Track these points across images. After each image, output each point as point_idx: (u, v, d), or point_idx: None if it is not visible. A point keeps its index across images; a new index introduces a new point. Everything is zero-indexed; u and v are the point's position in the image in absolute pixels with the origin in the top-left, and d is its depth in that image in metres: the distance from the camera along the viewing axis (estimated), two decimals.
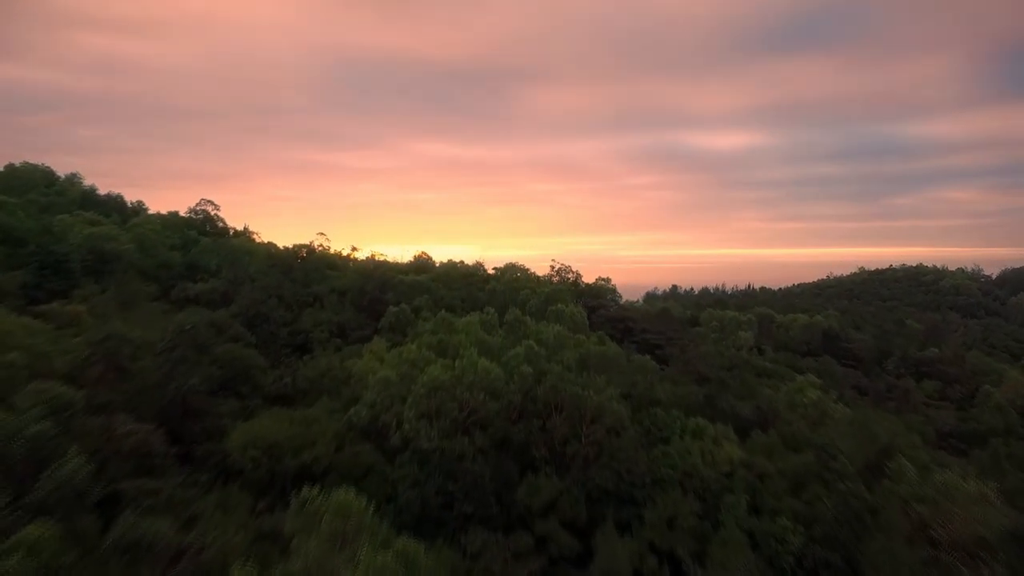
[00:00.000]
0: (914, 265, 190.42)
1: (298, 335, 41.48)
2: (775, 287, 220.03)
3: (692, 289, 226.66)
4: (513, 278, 60.91)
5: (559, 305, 52.44)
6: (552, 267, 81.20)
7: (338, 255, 78.18)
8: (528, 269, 78.03)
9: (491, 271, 78.17)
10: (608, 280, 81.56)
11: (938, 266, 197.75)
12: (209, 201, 70.19)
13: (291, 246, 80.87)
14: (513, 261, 77.49)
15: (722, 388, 35.53)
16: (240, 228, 77.64)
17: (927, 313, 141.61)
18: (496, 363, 27.67)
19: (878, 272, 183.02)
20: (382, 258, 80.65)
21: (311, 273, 53.94)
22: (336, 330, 43.02)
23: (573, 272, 78.92)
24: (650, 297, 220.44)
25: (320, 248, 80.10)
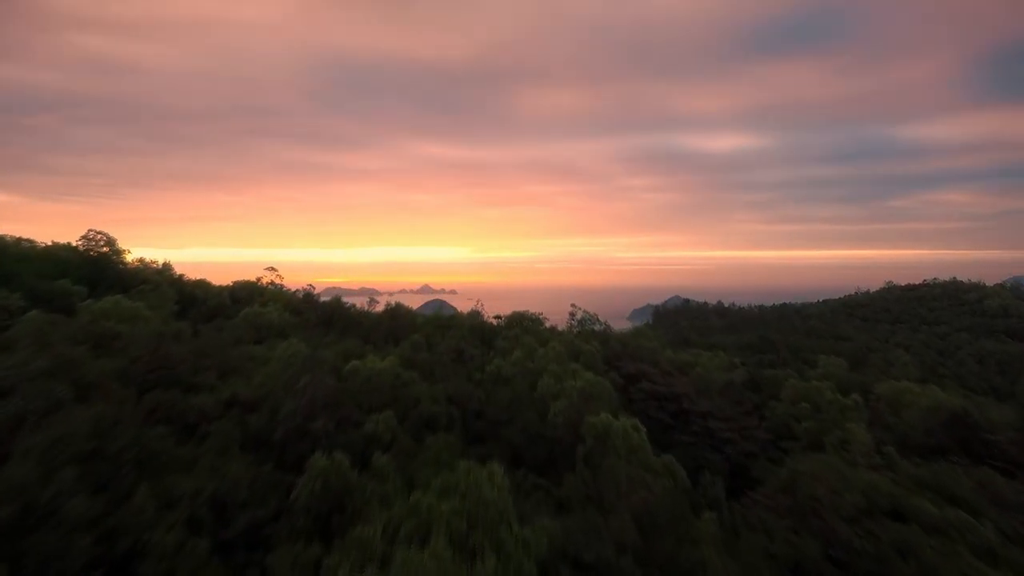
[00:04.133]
0: (948, 279, 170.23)
1: (120, 538, 20.55)
2: (798, 300, 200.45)
3: (705, 303, 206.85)
4: (526, 352, 40.03)
5: (603, 416, 31.66)
6: (572, 313, 60.53)
7: (291, 300, 57.13)
8: (542, 319, 57.26)
9: (493, 320, 57.36)
10: (647, 326, 60.82)
11: (973, 280, 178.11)
12: (100, 232, 49.09)
13: (232, 283, 60.09)
14: (522, 310, 56.73)
15: None
16: (160, 264, 56.52)
17: (982, 340, 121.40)
18: None
19: (911, 288, 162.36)
20: (351, 300, 59.85)
21: (208, 357, 32.95)
22: (209, 518, 22.11)
23: (599, 320, 58.16)
24: (659, 314, 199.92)
25: (270, 284, 59.20)
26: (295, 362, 31.72)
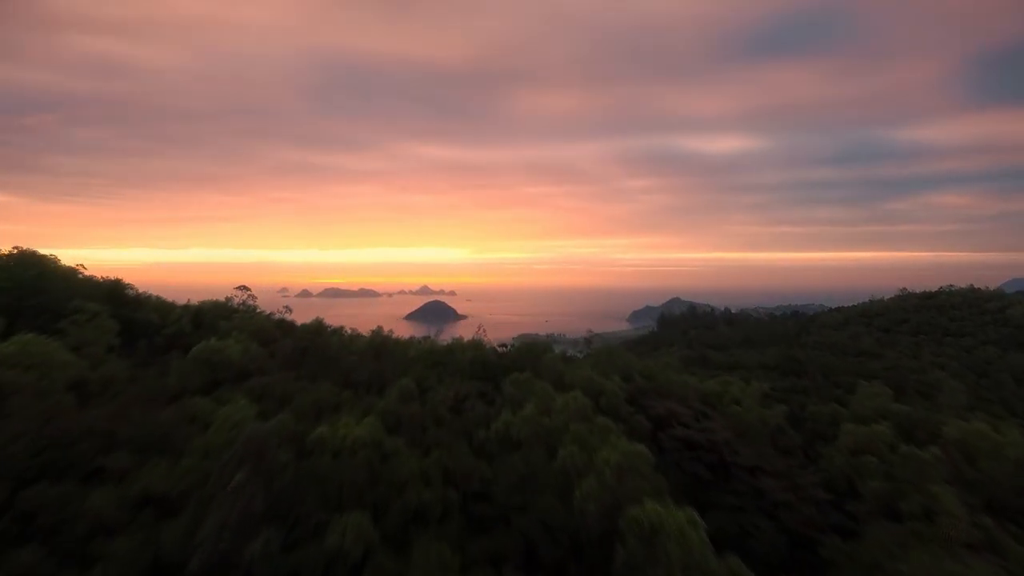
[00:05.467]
0: (965, 287, 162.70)
1: None
2: (799, 303, 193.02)
3: (712, 309, 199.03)
4: (541, 402, 31.99)
5: (649, 508, 23.71)
6: (588, 340, 52.48)
7: (263, 326, 48.84)
8: (554, 343, 49.18)
9: (499, 347, 49.27)
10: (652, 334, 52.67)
11: (969, 284, 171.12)
12: (28, 249, 40.84)
13: (199, 302, 52.15)
14: (528, 333, 48.72)
15: None
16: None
17: (1011, 353, 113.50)
18: None
19: (928, 296, 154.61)
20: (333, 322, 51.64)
21: (129, 423, 24.82)
22: None
23: (620, 352, 49.99)
24: (665, 321, 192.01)
25: (241, 305, 51.12)
26: (240, 433, 23.58)
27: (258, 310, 52.79)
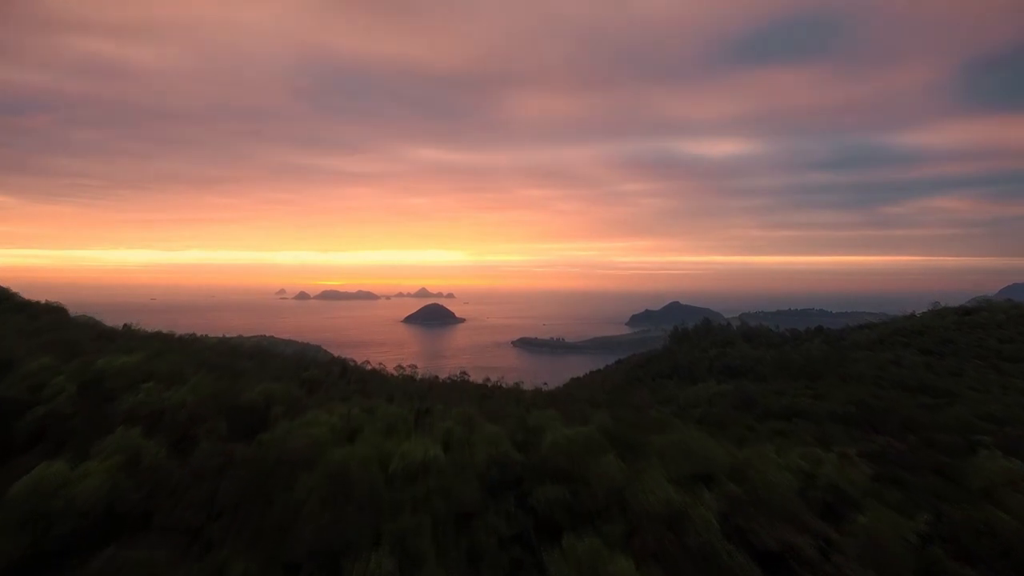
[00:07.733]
0: (1003, 300, 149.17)
1: None
2: (802, 306, 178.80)
3: (728, 323, 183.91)
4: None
5: None
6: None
7: (177, 417, 33.40)
8: (603, 438, 33.82)
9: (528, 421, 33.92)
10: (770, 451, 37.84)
11: (994, 293, 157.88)
12: None
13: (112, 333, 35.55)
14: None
15: None
16: None
17: None
18: None
19: (966, 313, 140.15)
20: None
21: None
22: None
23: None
24: (678, 335, 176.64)
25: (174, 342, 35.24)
26: None
27: (190, 371, 37.23)
